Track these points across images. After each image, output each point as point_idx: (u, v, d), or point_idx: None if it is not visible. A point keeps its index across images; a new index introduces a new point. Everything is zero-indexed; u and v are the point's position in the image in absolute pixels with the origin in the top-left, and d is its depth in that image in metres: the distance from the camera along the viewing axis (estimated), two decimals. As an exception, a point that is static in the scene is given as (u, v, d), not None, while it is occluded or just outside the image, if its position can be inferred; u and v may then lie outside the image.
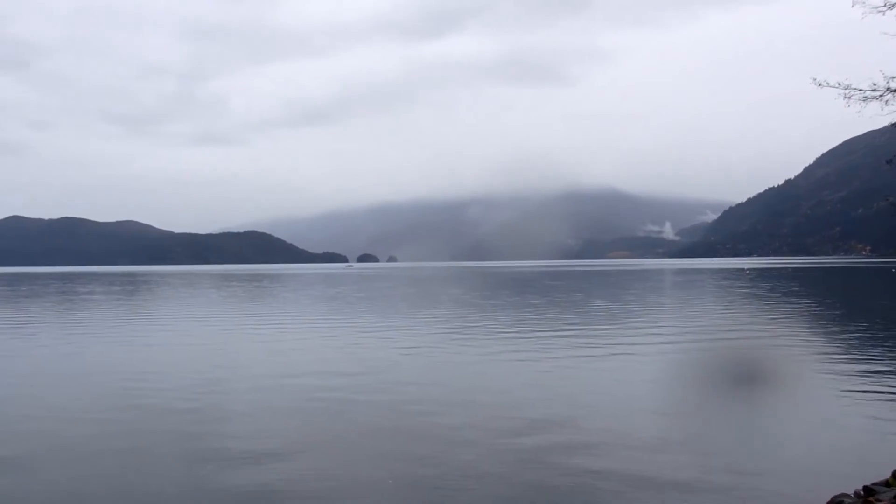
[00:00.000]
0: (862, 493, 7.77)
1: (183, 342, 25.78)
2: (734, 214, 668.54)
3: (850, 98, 12.04)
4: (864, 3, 11.67)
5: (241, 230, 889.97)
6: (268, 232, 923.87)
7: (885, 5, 11.58)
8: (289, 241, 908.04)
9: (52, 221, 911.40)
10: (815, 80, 12.40)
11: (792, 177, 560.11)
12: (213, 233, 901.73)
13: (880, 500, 7.38)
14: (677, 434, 11.64)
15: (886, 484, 7.94)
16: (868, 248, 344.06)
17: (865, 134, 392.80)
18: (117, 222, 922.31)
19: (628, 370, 18.07)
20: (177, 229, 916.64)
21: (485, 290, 62.48)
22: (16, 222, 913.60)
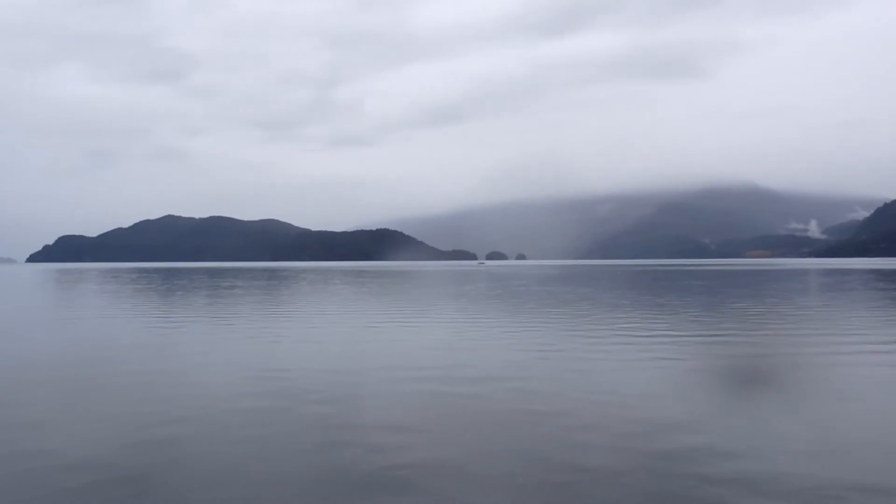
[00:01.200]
0: None
1: (315, 336, 24.87)
2: (889, 211, 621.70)
3: None
4: None
5: (374, 228, 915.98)
6: (399, 229, 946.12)
7: None
8: (419, 238, 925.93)
9: (202, 220, 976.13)
10: None
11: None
12: (348, 230, 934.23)
13: None
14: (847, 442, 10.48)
15: None
16: None
17: None
18: (260, 221, 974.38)
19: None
20: (314, 227, 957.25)
21: (617, 290, 59.12)
22: (171, 220, 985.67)
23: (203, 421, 11.97)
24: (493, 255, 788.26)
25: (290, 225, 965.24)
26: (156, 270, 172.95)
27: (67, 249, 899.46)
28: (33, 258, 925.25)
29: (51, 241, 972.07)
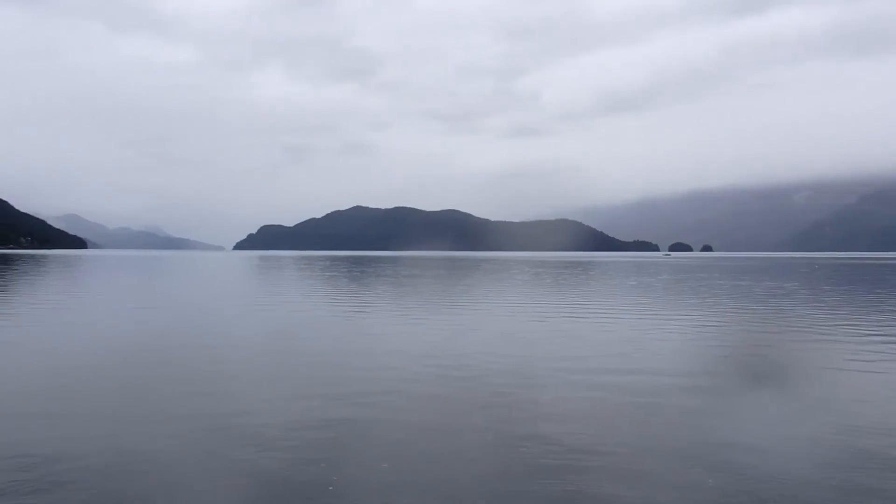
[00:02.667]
0: None
1: (490, 324, 24.50)
2: None
3: None
4: None
5: (553, 218, 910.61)
6: (578, 220, 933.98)
7: None
8: (599, 228, 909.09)
9: (387, 210, 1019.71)
10: None
11: None
12: (526, 221, 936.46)
13: None
14: None
15: None
16: None
17: None
18: (441, 211, 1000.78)
19: None
20: (493, 217, 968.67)
21: (825, 285, 53.55)
22: (358, 211, 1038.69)
23: (387, 405, 11.93)
24: (676, 247, 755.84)
25: (469, 215, 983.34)
26: (345, 258, 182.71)
27: (268, 238, 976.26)
28: (239, 246, 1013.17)
29: (254, 231, 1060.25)
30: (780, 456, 9.17)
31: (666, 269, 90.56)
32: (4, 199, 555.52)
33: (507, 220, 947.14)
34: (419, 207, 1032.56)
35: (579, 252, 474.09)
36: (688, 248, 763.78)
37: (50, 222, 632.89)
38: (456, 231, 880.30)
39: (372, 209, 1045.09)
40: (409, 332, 22.80)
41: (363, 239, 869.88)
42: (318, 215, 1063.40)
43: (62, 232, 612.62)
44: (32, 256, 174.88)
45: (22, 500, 7.51)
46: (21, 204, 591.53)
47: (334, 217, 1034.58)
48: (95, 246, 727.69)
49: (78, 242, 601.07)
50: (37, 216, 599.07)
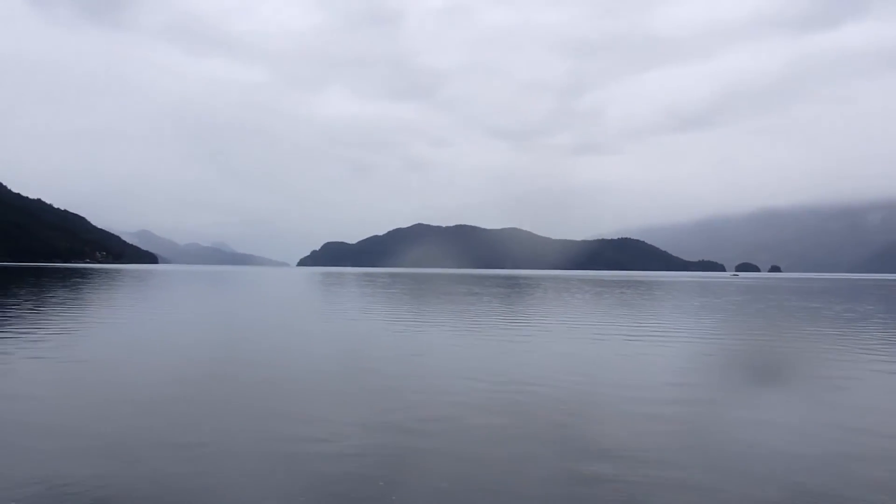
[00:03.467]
0: None
1: (550, 346, 23.95)
2: None
3: None
4: None
5: (615, 237, 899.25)
6: (641, 239, 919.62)
7: None
8: (662, 248, 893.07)
9: (448, 228, 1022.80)
10: None
11: None
12: (588, 239, 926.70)
13: None
14: None
15: None
16: None
17: None
18: (502, 229, 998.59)
19: None
20: (554, 236, 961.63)
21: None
22: (420, 229, 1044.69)
23: (445, 435, 11.81)
24: (742, 267, 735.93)
25: (531, 234, 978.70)
26: (406, 275, 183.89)
27: (331, 254, 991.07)
28: (302, 262, 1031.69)
29: (317, 247, 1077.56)
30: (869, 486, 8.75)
31: (733, 290, 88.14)
32: (82, 215, 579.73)
33: (568, 238, 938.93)
34: (480, 225, 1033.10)
35: (641, 272, 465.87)
36: (755, 269, 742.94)
37: (124, 238, 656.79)
38: (517, 249, 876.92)
39: (433, 227, 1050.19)
40: (468, 351, 22.70)
41: (425, 256, 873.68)
42: (381, 232, 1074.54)
43: (135, 247, 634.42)
44: (107, 270, 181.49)
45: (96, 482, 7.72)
46: (97, 220, 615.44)
47: (396, 234, 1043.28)
48: (166, 261, 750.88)
49: (150, 257, 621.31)
50: (111, 232, 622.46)
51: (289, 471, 9.21)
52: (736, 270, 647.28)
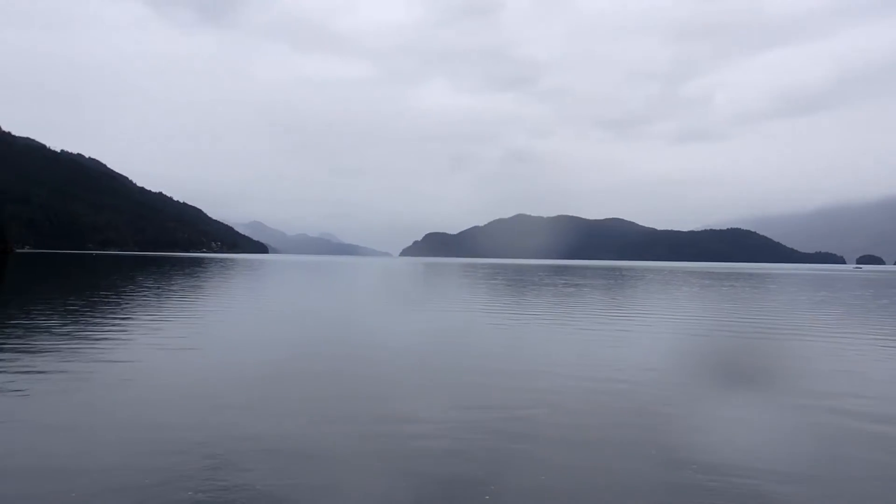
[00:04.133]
0: None
1: (653, 342, 23.17)
2: None
3: None
4: None
5: (724, 227, 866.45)
6: (752, 229, 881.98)
7: None
8: (775, 239, 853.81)
9: (549, 219, 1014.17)
10: None
11: None
12: (695, 230, 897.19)
13: None
14: None
15: None
16: None
17: None
18: (604, 220, 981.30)
19: None
20: (659, 226, 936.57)
21: None
22: (521, 219, 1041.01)
23: (544, 417, 11.84)
24: (864, 259, 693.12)
25: (634, 224, 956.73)
26: (507, 266, 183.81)
27: (432, 245, 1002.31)
28: (405, 252, 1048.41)
29: (419, 238, 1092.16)
30: None
31: (856, 284, 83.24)
32: (199, 207, 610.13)
33: (674, 229, 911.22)
34: (581, 216, 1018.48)
35: (753, 263, 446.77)
36: (879, 261, 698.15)
37: (237, 229, 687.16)
38: (620, 240, 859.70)
39: (534, 217, 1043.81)
40: (566, 346, 22.53)
41: (525, 247, 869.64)
42: (481, 223, 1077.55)
43: (247, 238, 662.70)
44: (222, 260, 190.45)
45: (208, 474, 8.21)
46: (213, 212, 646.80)
47: (497, 225, 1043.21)
48: (275, 251, 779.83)
49: (260, 247, 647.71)
50: (226, 223, 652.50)
51: (383, 459, 9.47)
52: (858, 263, 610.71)
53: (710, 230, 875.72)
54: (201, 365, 16.63)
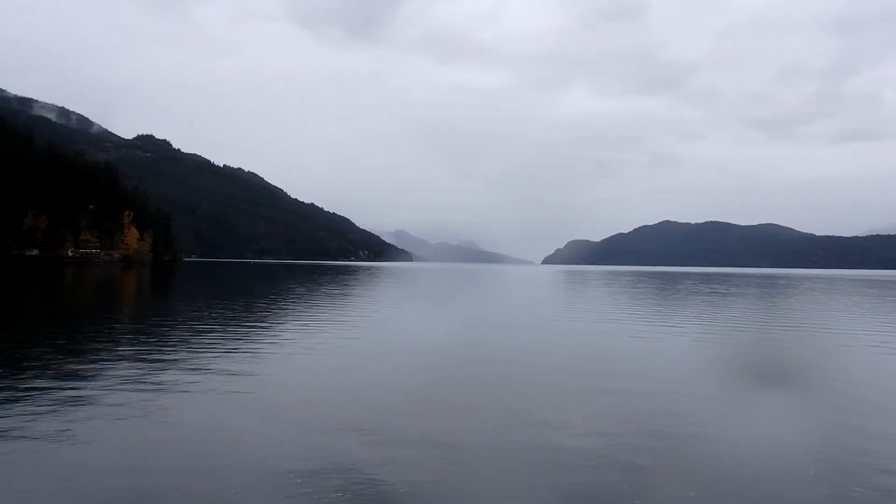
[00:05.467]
0: None
1: (810, 358, 22.05)
2: None
3: None
4: None
5: (893, 232, 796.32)
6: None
7: None
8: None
9: (698, 225, 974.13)
10: None
11: None
12: (859, 235, 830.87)
13: None
14: None
15: None
16: None
17: None
18: (758, 225, 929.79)
19: None
20: (818, 232, 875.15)
21: None
22: (666, 226, 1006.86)
23: (693, 430, 11.59)
24: None
25: (790, 229, 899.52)
26: (654, 274, 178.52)
27: (575, 252, 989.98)
28: (547, 260, 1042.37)
29: (561, 245, 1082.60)
30: None
31: None
32: (347, 217, 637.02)
33: (836, 234, 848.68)
34: (733, 222, 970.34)
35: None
36: None
37: (383, 237, 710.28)
38: (775, 247, 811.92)
39: (681, 224, 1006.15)
40: (723, 356, 21.81)
41: (672, 255, 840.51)
42: (625, 230, 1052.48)
43: (392, 246, 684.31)
44: (368, 268, 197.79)
45: (362, 474, 8.81)
46: (360, 221, 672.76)
47: (641, 232, 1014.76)
48: (419, 258, 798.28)
49: (405, 255, 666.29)
50: (372, 232, 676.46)
51: (530, 467, 9.62)
52: None
53: (877, 235, 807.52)
54: (360, 364, 17.54)
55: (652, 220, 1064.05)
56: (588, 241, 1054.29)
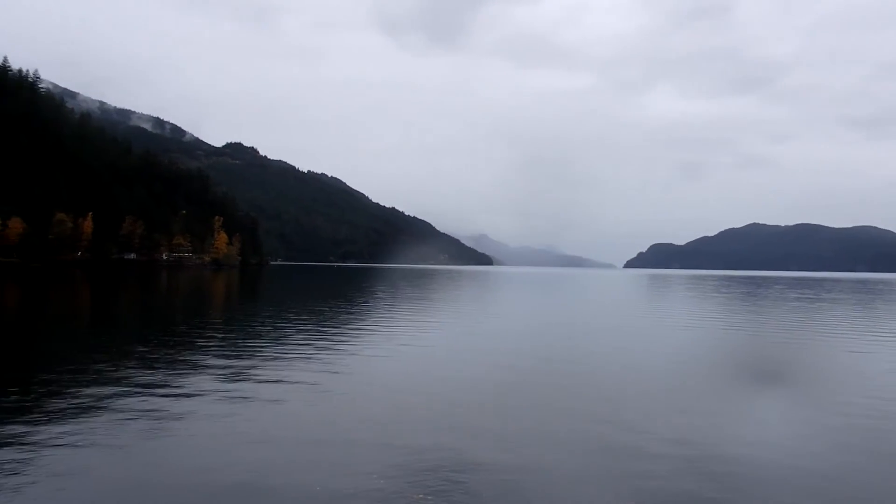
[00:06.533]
0: None
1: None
2: None
3: None
4: None
5: None
6: None
7: None
8: None
9: (787, 228, 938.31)
10: None
11: None
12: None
13: None
14: None
15: None
16: None
17: None
18: (853, 227, 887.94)
19: None
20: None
21: None
22: (755, 229, 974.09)
23: (772, 443, 11.42)
24: None
25: (889, 232, 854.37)
26: (741, 278, 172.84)
27: (658, 256, 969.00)
28: (629, 264, 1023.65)
29: (644, 249, 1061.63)
30: None
31: None
32: (428, 221, 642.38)
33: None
34: (826, 224, 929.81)
35: None
36: None
37: (463, 241, 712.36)
38: (872, 250, 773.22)
39: (770, 226, 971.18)
40: (798, 368, 21.14)
41: (760, 258, 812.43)
42: (711, 233, 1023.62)
43: (472, 250, 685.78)
44: (449, 271, 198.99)
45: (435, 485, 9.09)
46: (440, 226, 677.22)
47: (728, 235, 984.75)
48: (500, 262, 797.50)
49: (485, 259, 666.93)
50: (453, 236, 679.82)
51: (613, 472, 9.64)
52: None
53: None
54: (443, 367, 17.87)
55: (739, 223, 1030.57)
56: (671, 245, 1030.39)
